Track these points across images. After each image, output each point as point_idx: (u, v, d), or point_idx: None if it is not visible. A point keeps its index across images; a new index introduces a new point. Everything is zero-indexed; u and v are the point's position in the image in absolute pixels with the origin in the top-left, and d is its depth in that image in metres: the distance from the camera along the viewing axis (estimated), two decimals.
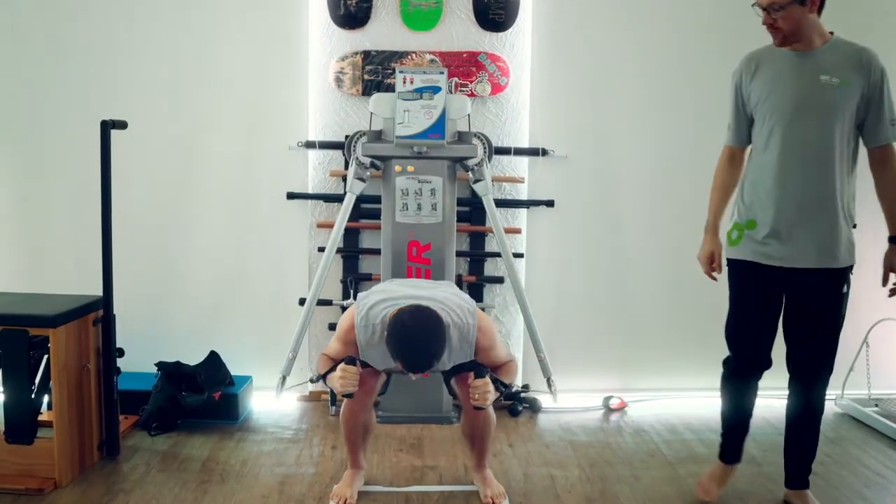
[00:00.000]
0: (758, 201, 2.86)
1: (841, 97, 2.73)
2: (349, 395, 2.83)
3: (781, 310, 2.94)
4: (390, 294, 2.90)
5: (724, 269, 3.03)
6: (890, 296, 2.93)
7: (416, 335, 2.66)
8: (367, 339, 2.82)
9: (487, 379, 2.77)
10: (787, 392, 3.01)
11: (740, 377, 3.04)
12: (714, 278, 3.04)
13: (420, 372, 2.69)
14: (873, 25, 4.00)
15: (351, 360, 2.79)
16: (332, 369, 2.82)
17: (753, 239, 2.88)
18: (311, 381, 2.92)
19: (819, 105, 2.75)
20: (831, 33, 2.81)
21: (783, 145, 2.79)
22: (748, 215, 2.90)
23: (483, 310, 4.14)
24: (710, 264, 3.01)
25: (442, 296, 2.91)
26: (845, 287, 2.87)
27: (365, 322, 2.82)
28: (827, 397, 4.13)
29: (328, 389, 4.05)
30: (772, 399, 4.16)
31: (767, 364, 2.99)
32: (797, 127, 2.76)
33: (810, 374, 2.95)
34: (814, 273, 2.82)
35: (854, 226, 2.86)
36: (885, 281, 2.92)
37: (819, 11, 2.77)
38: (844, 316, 2.91)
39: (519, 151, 4.14)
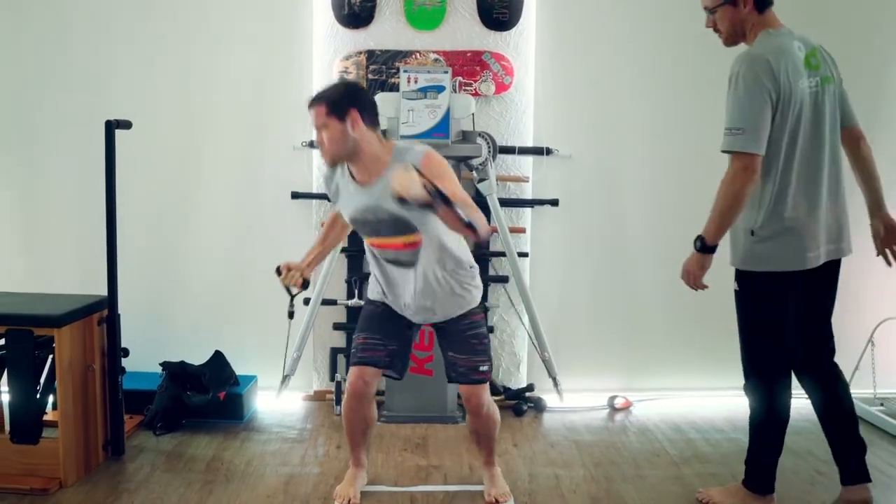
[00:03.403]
0: None
1: None
2: (292, 294, 3.02)
3: None
4: None
5: None
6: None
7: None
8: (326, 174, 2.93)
9: (414, 172, 2.44)
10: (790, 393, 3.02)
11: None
12: None
13: (313, 107, 2.67)
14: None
15: (278, 271, 3.00)
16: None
17: None
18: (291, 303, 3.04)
19: None
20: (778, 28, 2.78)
21: None
22: None
23: (487, 310, 4.16)
24: None
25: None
26: (736, 285, 2.90)
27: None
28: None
29: (332, 388, 4.07)
30: None
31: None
32: None
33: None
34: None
35: (752, 233, 2.78)
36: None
37: (759, 9, 2.75)
38: (746, 317, 2.91)
39: (523, 151, 4.14)
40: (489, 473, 3.14)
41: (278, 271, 3.01)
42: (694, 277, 2.85)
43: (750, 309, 2.90)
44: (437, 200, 2.43)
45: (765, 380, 2.93)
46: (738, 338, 4.48)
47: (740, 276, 2.89)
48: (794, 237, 2.78)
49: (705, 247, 2.77)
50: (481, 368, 2.92)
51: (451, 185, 2.63)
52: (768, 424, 2.95)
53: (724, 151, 2.70)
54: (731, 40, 2.85)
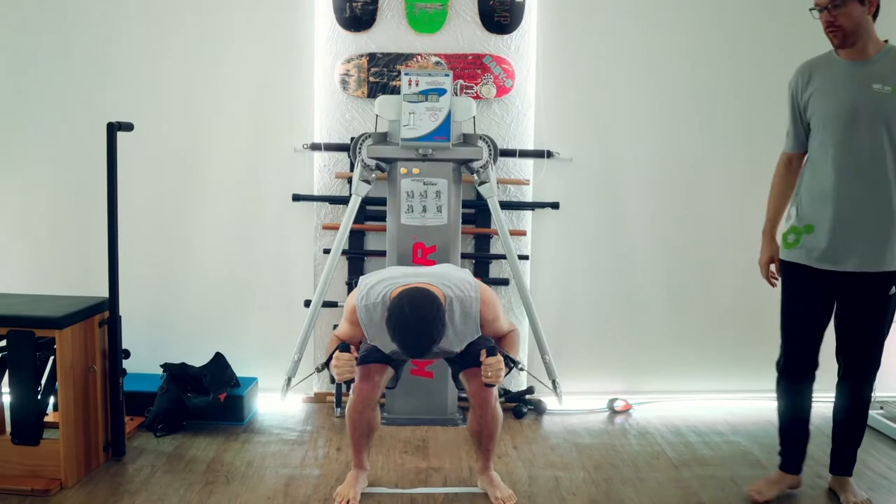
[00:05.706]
0: (816, 207, 2.91)
1: (892, 105, 2.77)
2: (352, 382, 2.86)
3: (830, 314, 3.01)
4: (390, 274, 2.95)
5: None
6: None
7: (413, 321, 2.61)
8: (370, 319, 2.83)
9: (500, 356, 2.78)
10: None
11: (790, 379, 3.12)
12: (773, 283, 3.12)
13: (420, 357, 2.69)
14: None
15: (345, 348, 2.81)
16: (331, 358, 2.84)
17: (810, 243, 2.93)
18: (317, 369, 2.91)
19: (871, 113, 2.79)
20: (886, 42, 2.84)
21: (838, 152, 2.84)
22: (807, 220, 2.94)
23: None
24: (769, 269, 3.11)
25: (443, 271, 2.97)
26: (893, 289, 2.90)
27: (366, 302, 2.83)
28: (831, 400, 4.16)
29: (333, 390, 4.07)
30: None
31: (815, 366, 3.08)
32: (851, 135, 2.82)
33: (861, 372, 3.06)
34: (863, 277, 2.88)
35: None
36: None
37: (874, 16, 2.80)
38: (892, 318, 2.98)
39: (524, 154, 4.14)
40: (488, 478, 3.13)
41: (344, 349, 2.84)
42: None
43: (893, 309, 2.98)
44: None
45: None
46: (735, 341, 4.54)
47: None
48: None
49: None
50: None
51: (503, 322, 2.99)
52: None
53: None
54: (848, 40, 2.80)
